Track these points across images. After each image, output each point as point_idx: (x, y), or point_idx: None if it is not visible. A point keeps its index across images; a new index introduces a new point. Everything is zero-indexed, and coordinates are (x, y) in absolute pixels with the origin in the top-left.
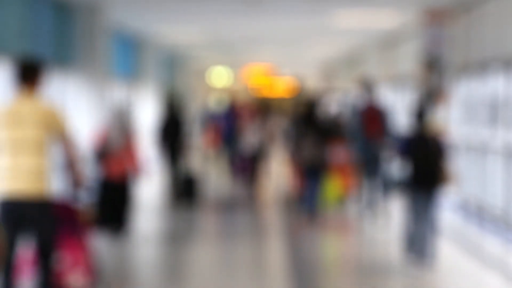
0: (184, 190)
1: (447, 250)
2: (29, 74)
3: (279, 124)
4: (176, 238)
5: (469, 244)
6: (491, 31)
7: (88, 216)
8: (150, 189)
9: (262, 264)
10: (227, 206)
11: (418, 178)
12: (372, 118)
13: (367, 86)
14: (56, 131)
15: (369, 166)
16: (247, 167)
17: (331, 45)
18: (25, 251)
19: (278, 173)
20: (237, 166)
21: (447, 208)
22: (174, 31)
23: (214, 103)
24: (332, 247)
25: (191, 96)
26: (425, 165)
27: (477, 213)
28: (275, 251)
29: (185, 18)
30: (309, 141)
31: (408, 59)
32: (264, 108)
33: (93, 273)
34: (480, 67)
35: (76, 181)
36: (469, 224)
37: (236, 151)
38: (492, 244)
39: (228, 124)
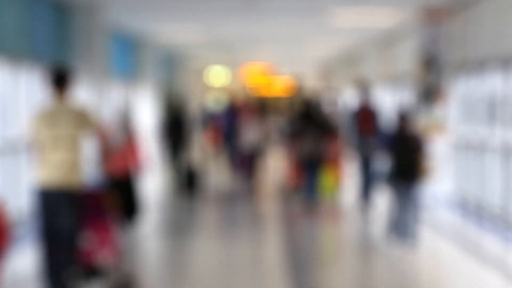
0: (186, 183)
1: (446, 249)
2: (60, 81)
3: (276, 123)
4: (180, 228)
5: (468, 242)
6: (489, 29)
7: (112, 201)
8: (154, 183)
9: (261, 250)
10: (228, 199)
11: (399, 171)
12: (366, 117)
13: (364, 87)
14: (88, 128)
15: (362, 160)
16: (246, 163)
17: (329, 44)
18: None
19: (274, 168)
20: (236, 162)
21: (446, 207)
22: (172, 31)
23: (213, 102)
24: (325, 233)
25: (189, 95)
26: (405, 160)
27: (476, 211)
28: (272, 238)
29: (183, 17)
30: (309, 137)
31: (406, 57)
32: (261, 107)
33: (119, 252)
34: (477, 65)
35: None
36: (468, 222)
37: (236, 148)
38: (490, 242)
39: (228, 122)
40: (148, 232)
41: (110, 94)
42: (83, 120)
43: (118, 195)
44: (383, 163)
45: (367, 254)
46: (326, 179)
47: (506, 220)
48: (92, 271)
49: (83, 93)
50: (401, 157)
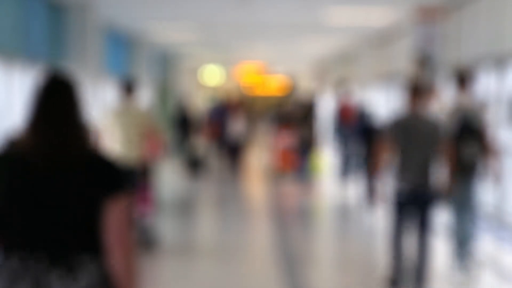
0: (193, 167)
1: (439, 246)
2: (128, 88)
3: (261, 119)
4: (186, 203)
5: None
6: (483, 29)
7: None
8: (168, 166)
9: (249, 214)
10: (221, 179)
11: (369, 154)
12: (345, 112)
13: (343, 86)
14: (144, 123)
15: (342, 147)
16: (232, 152)
17: (323, 43)
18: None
19: (261, 155)
20: (226, 152)
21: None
22: (167, 29)
23: (207, 100)
24: (312, 202)
25: (184, 94)
26: (372, 146)
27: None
28: (258, 206)
29: (177, 15)
30: (306, 128)
31: (401, 56)
32: (248, 105)
33: (153, 210)
34: (472, 64)
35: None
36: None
37: (226, 140)
38: (484, 241)
39: (220, 118)
40: (165, 204)
41: (104, 92)
42: (139, 118)
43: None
44: (358, 149)
45: (345, 219)
46: (314, 161)
47: (500, 219)
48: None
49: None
50: (370, 144)
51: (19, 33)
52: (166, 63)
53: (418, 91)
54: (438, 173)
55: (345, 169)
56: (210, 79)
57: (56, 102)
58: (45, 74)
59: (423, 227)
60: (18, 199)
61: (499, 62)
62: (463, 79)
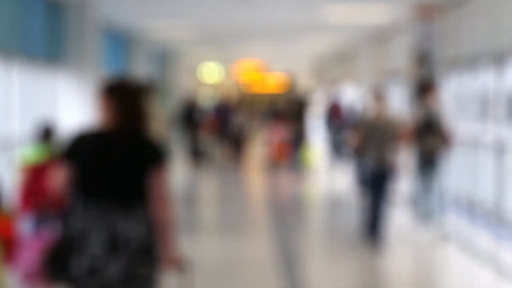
0: (197, 158)
1: (438, 244)
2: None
3: (259, 115)
4: (193, 188)
5: (460, 238)
6: (482, 26)
7: None
8: (175, 158)
9: (247, 199)
10: (223, 169)
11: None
12: (335, 110)
13: (334, 86)
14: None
15: (333, 140)
16: (235, 145)
17: (322, 41)
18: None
19: (256, 148)
20: (228, 145)
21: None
22: (165, 27)
23: (206, 99)
24: (306, 189)
25: (182, 92)
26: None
27: (468, 207)
28: (255, 192)
29: (176, 13)
30: (299, 123)
31: (399, 54)
32: (248, 102)
33: None
34: (470, 61)
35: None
36: (460, 219)
37: (227, 135)
38: (483, 238)
39: (221, 115)
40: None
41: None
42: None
43: None
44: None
45: (333, 203)
46: (305, 152)
47: (499, 216)
48: None
49: (75, 90)
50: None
51: (17, 32)
52: (165, 61)
53: (379, 96)
54: (395, 155)
55: (334, 155)
56: (209, 77)
57: (126, 98)
58: (112, 78)
59: (381, 195)
60: (96, 162)
61: (497, 60)
62: (427, 88)
